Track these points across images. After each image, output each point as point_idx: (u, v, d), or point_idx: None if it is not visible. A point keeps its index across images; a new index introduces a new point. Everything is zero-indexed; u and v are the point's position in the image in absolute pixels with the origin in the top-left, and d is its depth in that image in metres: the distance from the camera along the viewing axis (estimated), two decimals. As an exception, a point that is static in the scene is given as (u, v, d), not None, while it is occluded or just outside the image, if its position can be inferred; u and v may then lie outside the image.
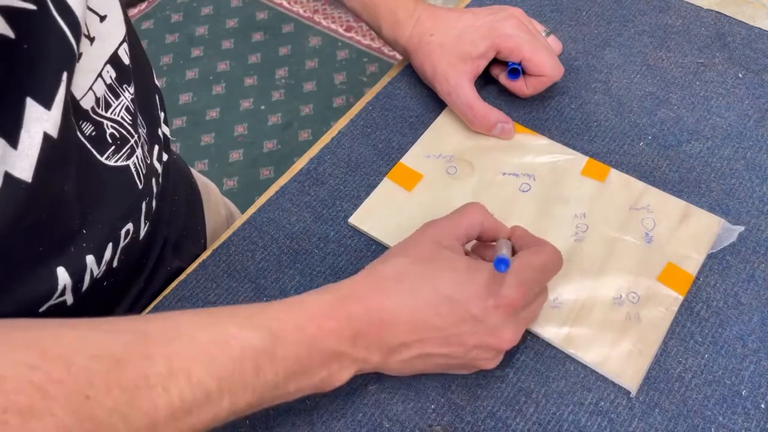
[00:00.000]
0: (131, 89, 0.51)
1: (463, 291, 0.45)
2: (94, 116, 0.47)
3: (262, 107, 1.93)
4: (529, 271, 0.46)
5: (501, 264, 0.43)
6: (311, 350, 0.42)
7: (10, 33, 0.37)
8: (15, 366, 0.33)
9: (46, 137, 0.40)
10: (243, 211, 0.65)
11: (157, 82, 0.61)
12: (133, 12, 2.16)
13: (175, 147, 1.83)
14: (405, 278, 0.45)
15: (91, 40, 0.46)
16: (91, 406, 0.34)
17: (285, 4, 2.16)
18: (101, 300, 0.53)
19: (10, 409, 0.31)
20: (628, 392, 0.50)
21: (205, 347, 0.38)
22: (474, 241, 0.53)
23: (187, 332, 0.39)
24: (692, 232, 0.56)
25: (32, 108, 0.39)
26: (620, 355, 0.51)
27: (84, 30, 0.44)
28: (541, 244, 0.49)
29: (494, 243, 0.51)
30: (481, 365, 0.48)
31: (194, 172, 0.76)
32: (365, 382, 0.52)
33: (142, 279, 0.59)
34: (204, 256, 0.60)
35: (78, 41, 0.42)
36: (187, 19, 2.14)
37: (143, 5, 2.18)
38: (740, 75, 0.67)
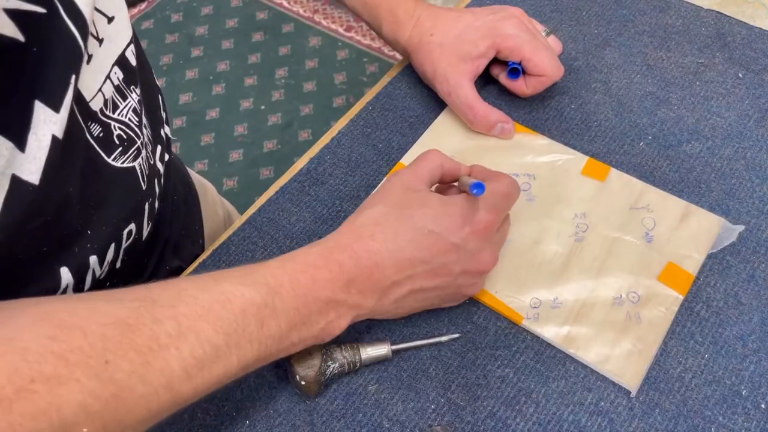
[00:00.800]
0: (138, 90, 0.51)
1: (442, 223, 0.47)
2: (103, 117, 0.47)
3: (262, 107, 1.93)
4: (496, 196, 0.50)
5: (477, 188, 0.46)
6: (307, 301, 0.44)
7: (19, 36, 0.37)
8: (35, 338, 0.34)
9: (54, 140, 0.40)
10: (243, 211, 0.65)
11: (156, 82, 0.61)
12: (133, 12, 2.16)
13: (175, 147, 1.83)
14: (385, 223, 0.47)
15: (100, 41, 0.46)
16: (111, 369, 0.35)
17: (285, 4, 2.16)
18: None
19: (37, 378, 0.33)
20: (628, 392, 0.50)
21: (209, 306, 0.40)
22: (436, 185, 0.55)
23: (190, 294, 0.41)
24: (692, 232, 0.56)
25: (40, 110, 0.39)
26: (620, 355, 0.51)
27: (93, 31, 0.44)
28: (500, 174, 0.52)
29: (455, 183, 0.54)
30: (468, 292, 0.51)
31: (191, 171, 0.76)
32: (365, 382, 0.52)
33: (143, 279, 0.59)
34: (204, 256, 0.60)
35: (86, 43, 0.42)
36: (187, 19, 2.14)
37: (143, 5, 2.18)
38: (740, 75, 0.67)
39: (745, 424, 0.48)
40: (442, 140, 0.64)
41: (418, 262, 0.47)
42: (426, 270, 0.47)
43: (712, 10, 0.73)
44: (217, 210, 0.79)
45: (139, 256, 0.56)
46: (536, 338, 0.53)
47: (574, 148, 0.63)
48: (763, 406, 0.49)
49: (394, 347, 0.52)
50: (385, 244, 0.46)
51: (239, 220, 0.62)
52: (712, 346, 0.52)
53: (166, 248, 0.62)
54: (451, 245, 0.47)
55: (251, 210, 0.62)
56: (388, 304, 0.48)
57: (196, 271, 0.59)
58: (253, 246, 0.59)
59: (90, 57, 0.45)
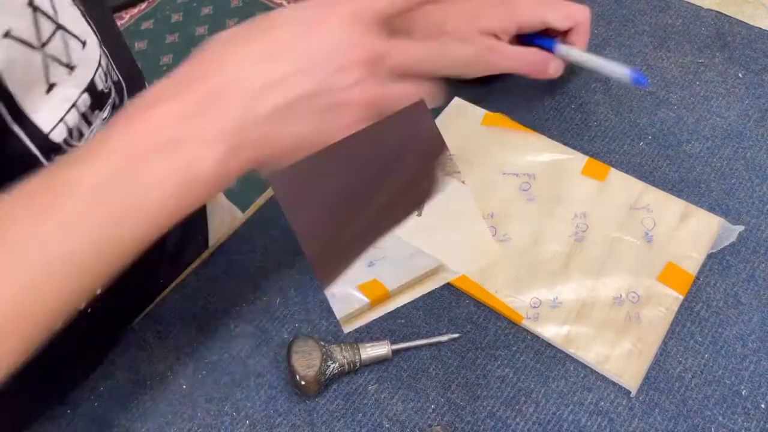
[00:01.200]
0: (104, 114, 0.49)
1: None
2: (67, 147, 0.46)
3: (262, 107, 1.93)
4: None
5: None
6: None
7: None
8: None
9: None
10: (243, 211, 0.65)
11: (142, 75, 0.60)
12: (132, 12, 2.16)
13: (175, 147, 1.83)
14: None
15: (71, 68, 0.45)
16: None
17: (285, 4, 2.16)
18: (103, 296, 0.53)
19: None
20: (628, 392, 0.50)
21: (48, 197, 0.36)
22: None
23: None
24: (692, 232, 0.56)
25: None
26: (620, 355, 0.51)
27: (63, 58, 0.43)
28: None
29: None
30: (351, 96, 0.41)
31: None
32: (365, 382, 0.52)
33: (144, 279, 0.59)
34: (204, 256, 0.60)
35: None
36: (187, 19, 2.14)
37: (143, 5, 2.18)
38: (740, 75, 0.67)
39: (745, 424, 0.48)
40: (442, 140, 0.64)
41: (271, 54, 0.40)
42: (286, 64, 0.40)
43: (712, 10, 0.73)
44: (218, 210, 0.79)
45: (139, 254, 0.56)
46: (536, 338, 0.53)
47: (574, 148, 0.63)
48: (763, 406, 0.49)
49: (394, 347, 0.52)
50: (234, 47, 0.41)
51: (239, 220, 0.62)
52: (712, 346, 0.52)
53: (165, 247, 0.62)
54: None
55: (251, 210, 0.62)
56: (263, 119, 0.40)
57: (196, 271, 0.59)
58: (253, 246, 0.59)
59: (51, 86, 0.43)
